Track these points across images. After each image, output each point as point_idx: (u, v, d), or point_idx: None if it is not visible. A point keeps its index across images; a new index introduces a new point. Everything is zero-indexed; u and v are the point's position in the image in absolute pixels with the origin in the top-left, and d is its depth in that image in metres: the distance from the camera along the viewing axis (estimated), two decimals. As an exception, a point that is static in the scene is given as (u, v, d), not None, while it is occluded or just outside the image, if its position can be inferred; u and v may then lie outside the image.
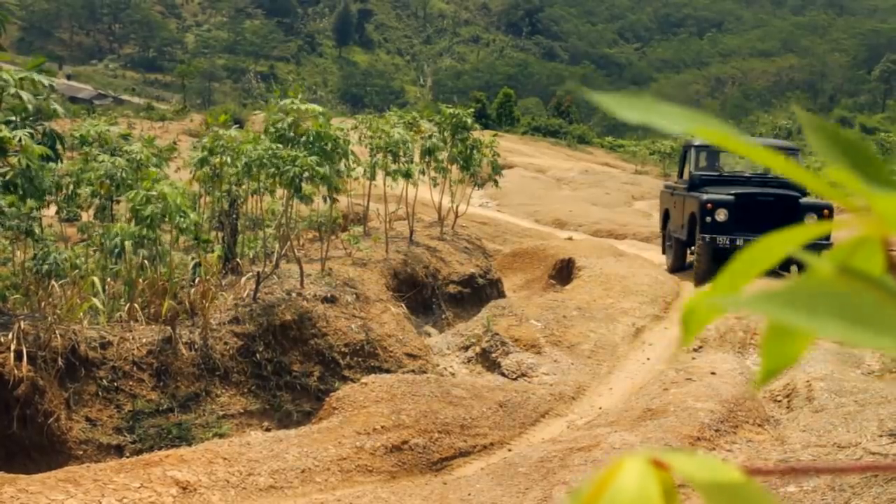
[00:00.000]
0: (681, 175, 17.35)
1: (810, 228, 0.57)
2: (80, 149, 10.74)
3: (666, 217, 17.60)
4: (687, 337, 0.59)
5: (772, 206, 14.67)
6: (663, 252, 17.64)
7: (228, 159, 10.68)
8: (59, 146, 7.55)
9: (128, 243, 8.71)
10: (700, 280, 14.90)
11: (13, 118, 7.13)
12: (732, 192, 14.95)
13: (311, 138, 9.62)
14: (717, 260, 14.82)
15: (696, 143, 16.48)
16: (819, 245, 12.92)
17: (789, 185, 15.03)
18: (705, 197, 14.94)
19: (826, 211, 14.45)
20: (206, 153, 10.99)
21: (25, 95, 6.94)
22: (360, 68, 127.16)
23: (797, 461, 6.14)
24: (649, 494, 0.48)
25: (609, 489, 0.48)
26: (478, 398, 8.38)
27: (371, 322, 10.25)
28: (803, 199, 14.67)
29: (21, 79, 6.95)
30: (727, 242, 14.44)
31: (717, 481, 0.47)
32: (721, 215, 14.58)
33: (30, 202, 8.03)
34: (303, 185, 9.40)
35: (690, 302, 0.57)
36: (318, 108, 9.77)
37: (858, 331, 0.46)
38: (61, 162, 7.82)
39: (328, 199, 10.45)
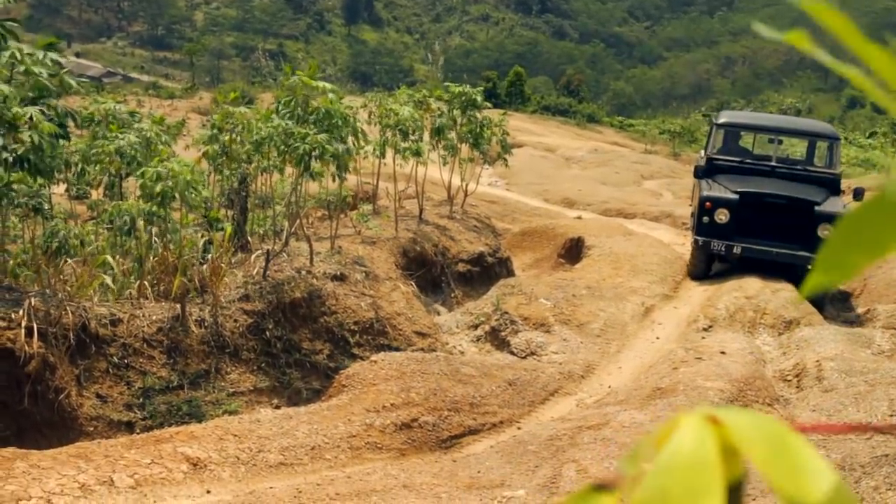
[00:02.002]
0: None
1: None
2: (89, 127, 10.74)
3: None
4: None
5: (782, 210, 12.78)
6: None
7: (238, 136, 10.67)
8: (70, 123, 7.53)
9: (139, 220, 8.71)
10: (693, 276, 13.75)
11: (24, 94, 7.12)
12: (739, 188, 13.13)
13: (321, 116, 9.60)
14: (710, 265, 13.71)
15: (721, 121, 14.94)
16: None
17: (816, 180, 13.45)
18: (705, 194, 13.22)
19: None
20: (215, 130, 10.98)
21: (38, 69, 6.93)
22: (370, 46, 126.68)
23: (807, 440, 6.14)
24: (706, 453, 0.46)
25: (666, 448, 0.47)
26: (487, 376, 8.39)
27: (380, 300, 10.26)
28: (820, 207, 12.62)
29: (29, 54, 6.94)
30: (722, 248, 12.91)
31: (771, 443, 0.47)
32: (722, 216, 12.88)
33: (39, 179, 8.03)
34: (313, 164, 9.38)
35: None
36: (329, 86, 9.74)
37: None
38: (68, 140, 7.81)
39: (338, 178, 10.42)
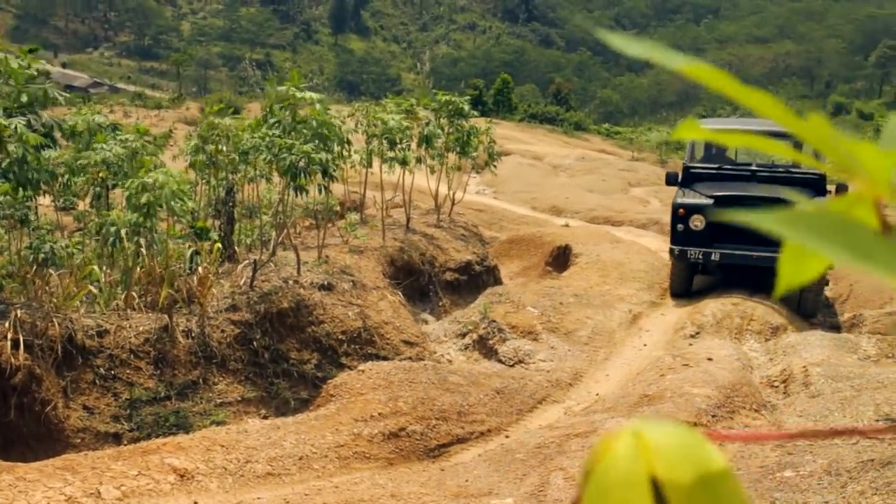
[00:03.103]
0: None
1: None
2: (73, 138, 10.73)
3: None
4: None
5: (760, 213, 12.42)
6: None
7: (224, 147, 10.66)
8: (56, 134, 7.52)
9: (124, 232, 8.69)
10: (674, 292, 13.20)
11: (9, 106, 7.11)
12: (714, 193, 12.44)
13: (308, 125, 9.60)
14: (690, 277, 13.09)
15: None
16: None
17: (800, 182, 12.67)
18: (678, 201, 12.59)
19: None
20: (200, 141, 10.97)
21: (20, 79, 6.92)
22: (357, 56, 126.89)
23: (794, 445, 6.16)
24: (635, 474, 0.47)
25: (600, 467, 0.48)
26: (475, 385, 8.39)
27: (368, 309, 10.25)
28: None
29: (15, 64, 6.93)
30: (699, 256, 12.27)
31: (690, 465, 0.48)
32: (697, 222, 12.24)
33: (25, 191, 8.01)
34: (300, 178, 9.36)
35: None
36: (316, 96, 9.74)
37: (859, 256, 0.48)
38: (58, 148, 7.80)
39: (323, 189, 10.41)
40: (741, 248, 12.14)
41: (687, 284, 13.09)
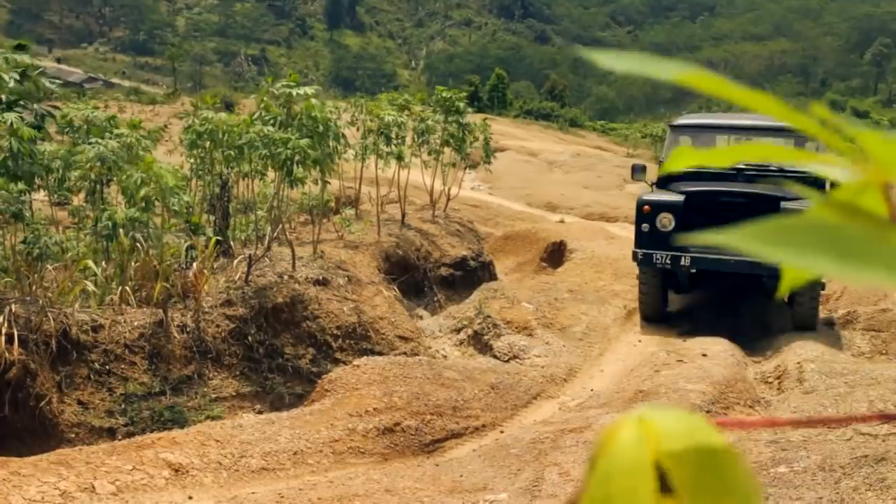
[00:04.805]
0: None
1: None
2: (68, 133, 10.71)
3: None
4: None
5: (741, 211, 9.54)
6: None
7: (218, 143, 10.65)
8: (46, 125, 7.51)
9: (119, 227, 8.68)
10: (645, 315, 11.51)
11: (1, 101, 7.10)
12: (687, 189, 10.75)
13: (303, 121, 9.58)
14: (663, 294, 11.54)
15: (679, 122, 12.60)
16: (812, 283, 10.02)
17: (796, 181, 10.23)
18: (644, 197, 11.02)
19: None
20: (194, 136, 10.95)
21: (6, 76, 6.90)
22: (352, 51, 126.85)
23: (787, 441, 6.18)
24: (642, 459, 0.47)
25: (606, 454, 0.48)
26: (470, 380, 8.39)
27: (363, 305, 10.25)
28: (788, 203, 10.16)
29: (6, 58, 6.92)
30: (667, 261, 10.52)
31: (693, 446, 0.47)
32: (666, 222, 10.54)
33: (19, 185, 7.99)
34: (295, 168, 9.35)
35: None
36: (311, 91, 9.72)
37: (847, 264, 0.44)
38: (51, 141, 7.79)
39: (320, 182, 10.40)
40: (717, 253, 10.44)
41: (660, 304, 11.70)
